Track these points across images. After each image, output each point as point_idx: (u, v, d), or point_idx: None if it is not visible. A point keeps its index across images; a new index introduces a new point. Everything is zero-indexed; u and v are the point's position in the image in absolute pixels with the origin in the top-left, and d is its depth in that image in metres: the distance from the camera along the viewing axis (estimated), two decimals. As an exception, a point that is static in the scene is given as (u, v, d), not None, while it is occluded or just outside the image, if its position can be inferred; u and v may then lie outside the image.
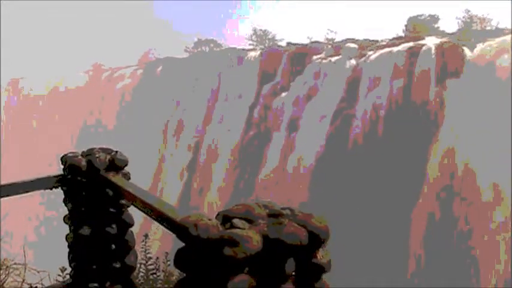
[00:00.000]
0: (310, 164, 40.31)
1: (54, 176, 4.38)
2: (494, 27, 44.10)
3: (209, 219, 2.36)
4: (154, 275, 5.79)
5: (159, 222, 3.09)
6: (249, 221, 2.36)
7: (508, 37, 37.39)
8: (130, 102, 60.56)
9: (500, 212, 32.32)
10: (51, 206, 46.36)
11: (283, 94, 45.56)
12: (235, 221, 2.34)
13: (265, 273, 2.32)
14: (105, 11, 70.37)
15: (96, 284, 4.39)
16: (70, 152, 4.37)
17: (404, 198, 35.13)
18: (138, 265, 5.40)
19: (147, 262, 5.74)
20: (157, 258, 5.89)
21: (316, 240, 2.42)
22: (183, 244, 2.43)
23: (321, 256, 2.48)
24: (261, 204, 2.49)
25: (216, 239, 2.25)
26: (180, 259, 2.42)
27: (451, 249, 33.31)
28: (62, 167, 4.36)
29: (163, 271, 5.87)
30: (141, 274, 5.73)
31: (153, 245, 6.72)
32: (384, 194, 35.78)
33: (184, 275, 2.45)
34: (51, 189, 4.36)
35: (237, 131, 47.22)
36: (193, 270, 2.36)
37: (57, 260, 5.83)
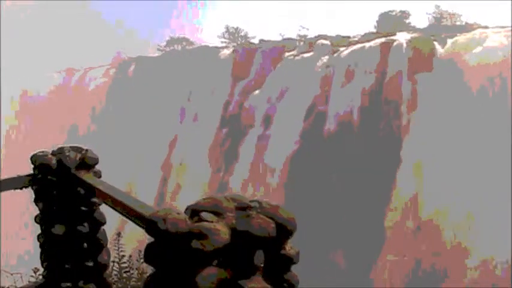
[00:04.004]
0: (284, 162, 40.42)
1: (24, 176, 4.34)
2: (463, 23, 44.64)
3: (178, 213, 2.38)
4: (128, 273, 5.78)
5: (130, 218, 3.10)
6: (217, 214, 2.39)
7: (477, 32, 38.05)
8: (104, 103, 60.00)
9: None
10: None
11: (257, 91, 45.59)
12: (204, 214, 2.36)
13: (234, 266, 2.34)
14: (73, 12, 69.26)
15: (69, 284, 4.37)
16: (39, 151, 4.34)
17: (378, 195, 35.45)
18: (112, 263, 5.38)
19: (120, 260, 5.73)
20: (131, 256, 5.88)
21: (284, 231, 2.44)
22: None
23: (290, 247, 2.51)
24: (229, 197, 2.52)
25: (184, 233, 2.27)
26: (149, 254, 2.43)
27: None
28: (32, 166, 4.33)
29: (136, 269, 5.86)
30: (115, 272, 5.72)
31: (130, 244, 6.70)
32: (358, 190, 36.10)
33: (155, 270, 2.46)
34: (21, 189, 4.33)
35: (211, 129, 47.16)
36: (163, 265, 2.38)
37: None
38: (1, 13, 58.11)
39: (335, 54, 42.33)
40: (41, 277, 4.91)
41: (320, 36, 45.93)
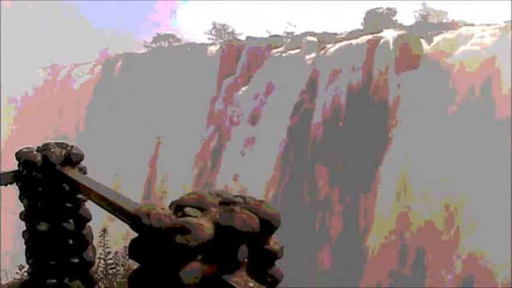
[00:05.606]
0: (270, 159, 40.42)
1: (9, 172, 4.31)
2: (450, 20, 44.74)
3: (162, 209, 2.38)
4: (114, 270, 5.75)
5: (114, 214, 3.10)
6: (201, 209, 2.39)
7: (463, 29, 38.19)
8: (90, 99, 59.61)
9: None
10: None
11: (244, 88, 45.54)
12: (187, 209, 2.36)
13: (218, 261, 2.35)
14: (57, 9, 68.41)
15: (54, 280, 4.35)
16: (24, 147, 4.31)
17: (362, 191, 35.61)
18: (97, 260, 5.36)
19: (106, 257, 5.70)
20: (116, 252, 5.85)
21: (268, 227, 2.45)
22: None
23: (273, 242, 2.52)
24: (213, 192, 2.53)
25: (168, 228, 2.27)
26: (134, 249, 2.43)
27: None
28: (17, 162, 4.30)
29: (122, 265, 5.83)
30: (101, 269, 5.69)
31: (117, 240, 6.66)
32: (345, 186, 36.22)
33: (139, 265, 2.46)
34: (5, 185, 4.30)
35: (199, 125, 47.06)
36: (147, 260, 2.38)
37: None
38: (1, 13, 57.42)
39: (322, 51, 42.33)
40: (26, 274, 4.89)
41: (307, 33, 45.88)
